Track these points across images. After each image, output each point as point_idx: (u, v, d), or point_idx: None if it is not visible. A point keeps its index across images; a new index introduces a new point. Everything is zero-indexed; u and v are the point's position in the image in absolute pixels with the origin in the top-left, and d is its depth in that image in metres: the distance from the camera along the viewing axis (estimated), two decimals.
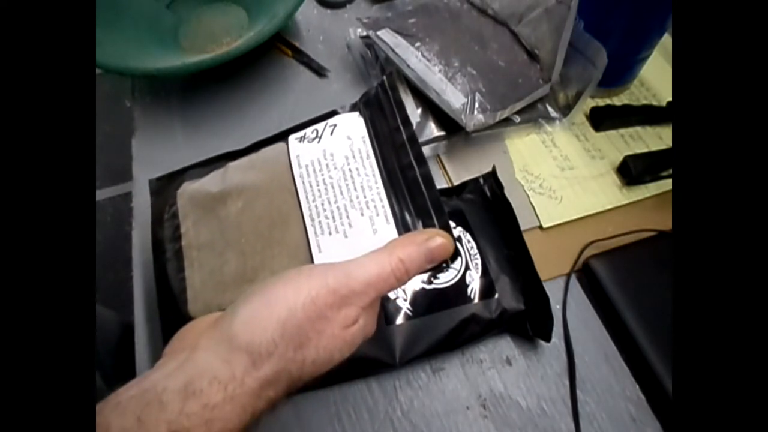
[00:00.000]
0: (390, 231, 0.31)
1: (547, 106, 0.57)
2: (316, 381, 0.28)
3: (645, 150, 0.55)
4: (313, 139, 0.36)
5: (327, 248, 0.32)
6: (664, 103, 0.60)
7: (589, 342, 0.44)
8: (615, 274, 0.46)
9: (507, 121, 0.55)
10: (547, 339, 0.42)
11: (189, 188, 0.39)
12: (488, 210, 0.48)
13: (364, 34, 0.62)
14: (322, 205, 0.33)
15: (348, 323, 0.27)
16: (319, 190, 0.34)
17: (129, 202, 0.53)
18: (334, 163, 0.34)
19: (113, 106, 1.69)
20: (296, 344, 0.26)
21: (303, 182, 0.34)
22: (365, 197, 0.33)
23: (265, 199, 0.35)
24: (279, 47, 0.65)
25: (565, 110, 0.57)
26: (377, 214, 0.32)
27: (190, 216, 0.37)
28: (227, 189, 0.37)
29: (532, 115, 0.56)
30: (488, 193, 0.49)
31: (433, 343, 0.41)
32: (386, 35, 0.57)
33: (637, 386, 0.42)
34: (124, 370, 0.67)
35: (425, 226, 0.31)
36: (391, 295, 0.42)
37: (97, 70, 0.47)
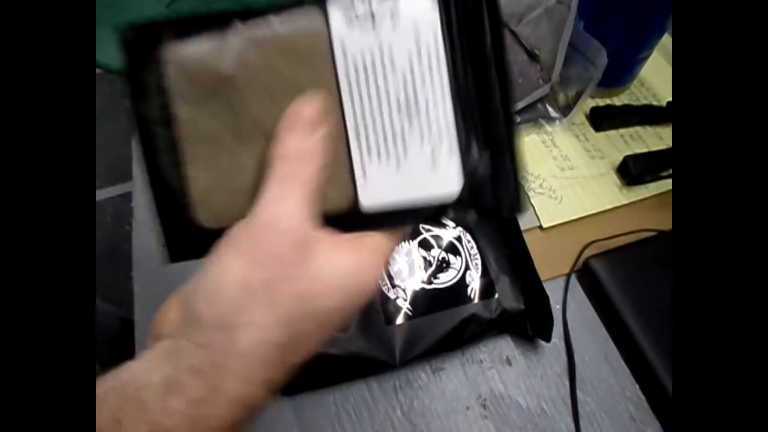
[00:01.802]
0: (453, 168, 0.26)
1: (547, 106, 0.57)
2: (343, 328, 0.24)
3: (645, 150, 0.55)
4: (366, 20, 0.27)
5: (373, 178, 0.26)
6: (664, 103, 0.60)
7: (589, 342, 0.44)
8: (615, 274, 0.46)
9: None
10: (547, 339, 0.42)
11: (182, 53, 0.28)
12: None
13: None
14: (372, 118, 0.27)
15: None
16: (369, 97, 0.27)
17: (129, 202, 0.53)
18: (393, 64, 0.26)
19: (113, 106, 1.69)
20: (269, 298, 0.22)
21: (349, 82, 0.27)
22: (428, 117, 0.26)
23: (295, 93, 0.27)
24: None
25: (565, 110, 0.57)
26: (441, 143, 0.26)
27: (188, 96, 0.28)
28: (241, 69, 0.28)
29: (532, 115, 0.56)
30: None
31: (433, 343, 0.41)
32: None
33: (637, 386, 0.42)
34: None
35: (493, 161, 0.26)
36: (392, 295, 0.42)
37: (97, 70, 0.47)
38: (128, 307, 0.47)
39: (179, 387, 0.21)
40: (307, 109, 0.25)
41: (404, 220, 0.26)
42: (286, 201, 0.23)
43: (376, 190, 0.26)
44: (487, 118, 0.26)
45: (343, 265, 0.24)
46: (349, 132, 0.27)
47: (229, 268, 0.23)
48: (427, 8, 0.26)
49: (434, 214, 0.27)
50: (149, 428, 0.20)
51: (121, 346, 0.70)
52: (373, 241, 0.25)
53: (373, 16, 0.26)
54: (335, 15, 0.27)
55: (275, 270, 0.22)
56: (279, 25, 0.28)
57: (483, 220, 0.30)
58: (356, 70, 0.27)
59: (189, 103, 0.29)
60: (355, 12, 0.26)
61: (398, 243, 0.27)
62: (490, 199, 0.26)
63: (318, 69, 0.27)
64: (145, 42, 0.29)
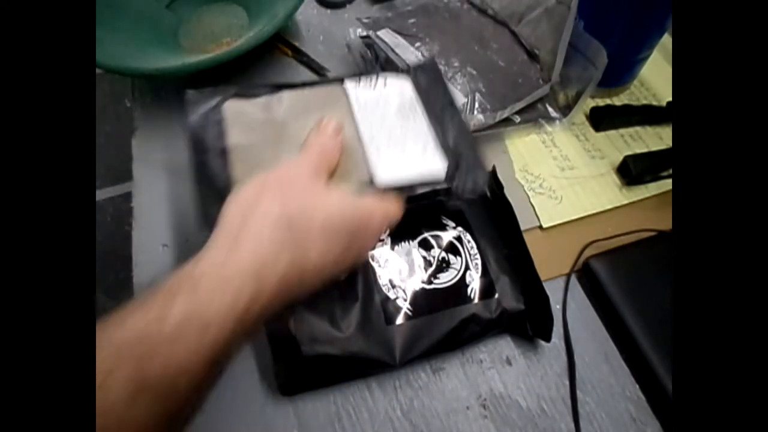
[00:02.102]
0: (437, 156, 0.40)
1: (547, 106, 0.57)
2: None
3: (645, 150, 0.55)
4: (368, 86, 0.42)
5: (383, 164, 0.38)
6: (664, 103, 0.60)
7: (589, 342, 0.44)
8: (615, 274, 0.46)
9: (507, 121, 0.55)
10: (547, 339, 0.42)
11: (237, 104, 0.40)
12: (488, 210, 0.48)
13: (364, 34, 0.62)
14: (379, 130, 0.40)
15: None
16: (374, 119, 0.40)
17: (129, 202, 0.52)
18: (389, 105, 0.41)
19: (113, 106, 1.69)
20: (280, 198, 0.30)
21: (362, 115, 0.40)
22: (415, 128, 0.41)
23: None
24: (279, 47, 0.65)
25: (565, 110, 0.57)
26: (427, 141, 0.40)
27: (239, 127, 0.39)
28: (283, 115, 0.39)
29: (532, 115, 0.56)
30: (488, 193, 0.49)
31: (433, 343, 0.41)
32: (386, 35, 0.57)
33: (637, 386, 0.42)
34: None
35: (457, 158, 0.40)
36: (391, 295, 0.42)
37: (97, 70, 0.47)
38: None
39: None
40: (329, 122, 0.37)
41: (411, 191, 0.38)
42: (305, 163, 0.33)
43: (386, 172, 0.38)
44: (447, 132, 0.41)
45: (347, 204, 0.32)
46: (364, 139, 0.39)
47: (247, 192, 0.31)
48: (406, 84, 0.44)
49: (430, 192, 0.38)
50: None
51: None
52: (376, 200, 0.34)
53: (373, 85, 0.43)
54: (349, 83, 0.43)
55: (288, 191, 0.31)
56: (309, 91, 0.42)
57: (455, 198, 0.41)
58: (365, 107, 0.41)
59: (240, 131, 0.38)
60: (362, 84, 0.43)
61: (398, 214, 0.35)
62: (461, 182, 0.39)
63: (340, 108, 0.41)
64: (205, 98, 0.40)
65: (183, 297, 0.25)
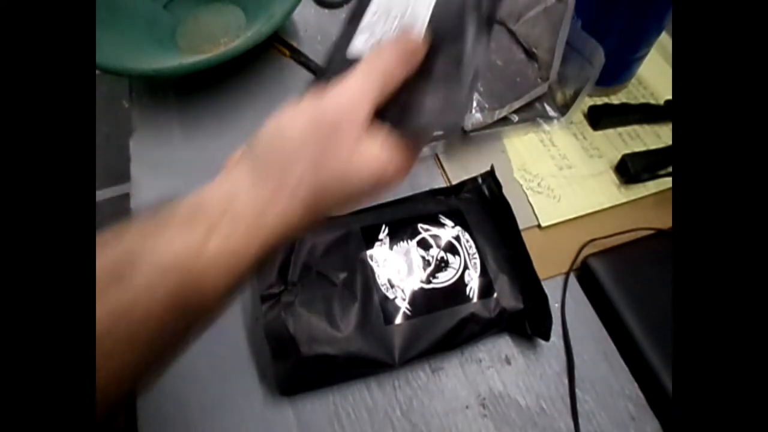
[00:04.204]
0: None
1: (545, 105, 0.57)
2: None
3: (643, 148, 0.55)
4: None
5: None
6: (662, 102, 0.60)
7: (588, 341, 0.44)
8: (614, 273, 0.46)
9: (505, 120, 0.55)
10: (546, 338, 0.42)
11: None
12: (487, 209, 0.48)
13: None
14: None
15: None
16: None
17: (127, 203, 0.52)
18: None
19: (111, 106, 1.69)
20: (318, 152, 0.27)
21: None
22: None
23: None
24: (276, 47, 0.65)
25: (563, 109, 0.57)
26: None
27: None
28: None
29: (530, 114, 0.56)
30: (486, 193, 0.49)
31: (432, 342, 0.41)
32: None
33: (636, 385, 0.42)
34: None
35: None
36: (390, 294, 0.42)
37: (97, 71, 0.47)
38: None
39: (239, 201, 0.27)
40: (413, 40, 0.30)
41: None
42: (359, 90, 0.28)
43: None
44: None
45: (377, 153, 0.28)
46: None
47: (294, 121, 0.28)
48: None
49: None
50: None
51: None
52: (402, 147, 0.29)
53: None
54: None
55: (329, 136, 0.27)
56: None
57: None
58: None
59: None
60: None
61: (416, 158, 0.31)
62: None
63: None
64: None
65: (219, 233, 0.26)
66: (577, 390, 0.42)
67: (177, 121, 0.59)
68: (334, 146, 0.27)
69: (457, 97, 0.31)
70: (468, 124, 0.50)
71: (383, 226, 0.46)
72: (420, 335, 0.41)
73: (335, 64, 0.34)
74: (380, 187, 0.29)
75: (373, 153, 0.28)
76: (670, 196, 0.53)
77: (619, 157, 0.54)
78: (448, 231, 0.46)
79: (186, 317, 0.25)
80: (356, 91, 0.28)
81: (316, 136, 0.27)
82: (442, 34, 0.32)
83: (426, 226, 0.46)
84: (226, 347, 0.43)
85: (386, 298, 0.42)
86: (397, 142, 0.29)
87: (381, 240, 0.45)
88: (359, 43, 0.34)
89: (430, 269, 0.44)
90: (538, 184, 0.53)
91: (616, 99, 0.61)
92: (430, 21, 0.32)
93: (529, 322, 0.43)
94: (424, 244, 0.45)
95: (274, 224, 0.27)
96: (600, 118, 0.57)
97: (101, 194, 1.55)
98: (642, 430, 0.40)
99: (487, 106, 0.52)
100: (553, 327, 0.42)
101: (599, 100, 0.60)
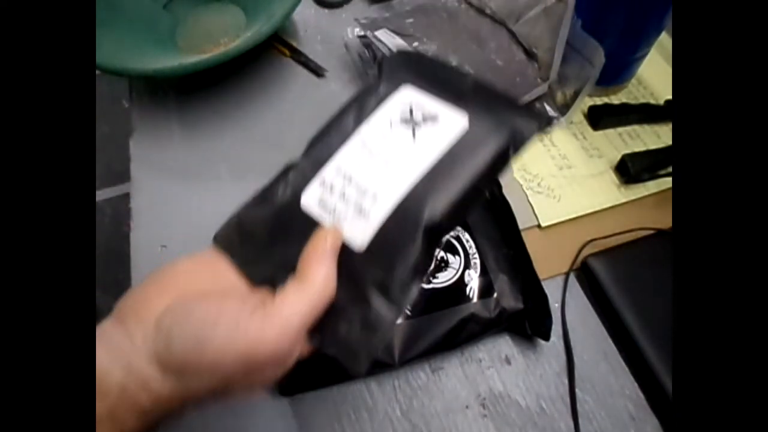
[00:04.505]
0: None
1: (546, 104, 0.57)
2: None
3: (643, 148, 0.55)
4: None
5: None
6: (662, 102, 0.60)
7: (588, 340, 0.44)
8: (614, 273, 0.46)
9: None
10: (546, 338, 0.42)
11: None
12: (487, 209, 0.48)
13: (362, 34, 0.62)
14: None
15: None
16: None
17: (127, 203, 0.52)
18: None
19: (111, 106, 1.69)
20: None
21: None
22: None
23: None
24: (276, 47, 0.65)
25: (563, 109, 0.57)
26: None
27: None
28: None
29: None
30: (486, 193, 0.49)
31: (432, 342, 0.41)
32: (384, 35, 0.57)
33: (636, 385, 0.42)
34: None
35: None
36: None
37: (97, 71, 0.47)
38: None
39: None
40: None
41: None
42: (296, 333, 0.26)
43: None
44: None
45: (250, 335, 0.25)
46: None
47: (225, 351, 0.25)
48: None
49: None
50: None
51: None
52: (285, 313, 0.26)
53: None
54: None
55: (255, 371, 0.26)
56: None
57: None
58: None
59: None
60: None
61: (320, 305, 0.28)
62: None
63: None
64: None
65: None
66: (577, 390, 0.42)
67: (177, 121, 0.59)
68: (257, 374, 0.26)
69: (380, 324, 0.28)
70: None
71: None
72: (420, 335, 0.41)
73: (297, 178, 0.33)
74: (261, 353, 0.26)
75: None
76: (670, 196, 0.53)
77: (619, 157, 0.54)
78: None
79: None
80: (292, 336, 0.26)
81: (244, 371, 0.25)
82: (389, 249, 0.30)
83: None
84: None
85: None
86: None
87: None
88: (313, 196, 0.32)
89: (429, 269, 0.44)
90: (538, 184, 0.53)
91: (616, 99, 0.61)
92: (381, 228, 0.30)
93: (529, 322, 0.43)
94: None
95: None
96: (600, 118, 0.57)
97: (102, 194, 1.55)
98: (642, 430, 0.40)
99: None
100: (553, 327, 0.42)
101: (599, 100, 0.60)
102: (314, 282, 0.27)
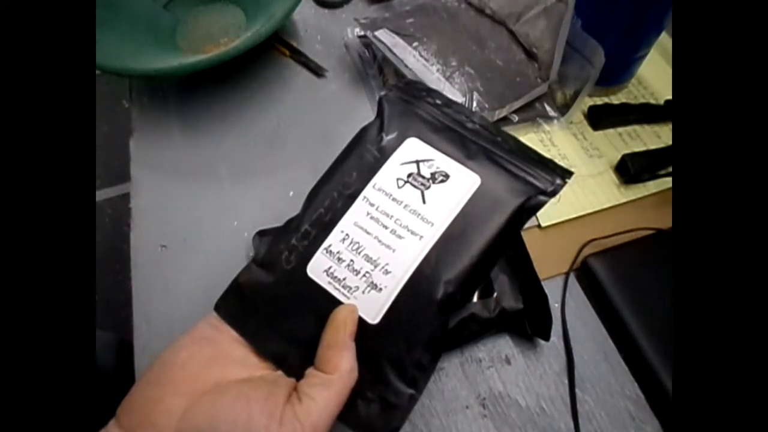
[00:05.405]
0: None
1: (545, 105, 0.58)
2: None
3: (643, 148, 0.55)
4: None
5: None
6: (662, 102, 0.60)
7: (588, 341, 0.44)
8: (614, 273, 0.46)
9: (505, 120, 0.55)
10: (546, 338, 0.42)
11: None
12: None
13: (362, 34, 0.62)
14: None
15: None
16: None
17: (127, 203, 0.52)
18: None
19: (111, 106, 1.69)
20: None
21: None
22: None
23: None
24: (276, 47, 0.65)
25: (563, 109, 0.57)
26: None
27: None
28: None
29: (530, 114, 0.56)
30: None
31: None
32: (384, 35, 0.57)
33: (636, 385, 0.42)
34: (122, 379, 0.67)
35: None
36: None
37: (97, 71, 0.47)
38: (126, 309, 0.47)
39: None
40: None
41: None
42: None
43: None
44: None
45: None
46: None
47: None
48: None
49: None
50: None
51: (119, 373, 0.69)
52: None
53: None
54: None
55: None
56: None
57: None
58: None
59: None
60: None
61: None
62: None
63: None
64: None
65: None
66: (577, 390, 0.42)
67: (177, 121, 0.59)
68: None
69: (399, 403, 0.28)
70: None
71: None
72: None
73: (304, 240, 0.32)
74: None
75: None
76: (670, 196, 0.53)
77: (619, 157, 0.54)
78: None
79: None
80: None
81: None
82: (404, 325, 0.29)
83: None
84: None
85: None
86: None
87: None
88: (319, 265, 0.31)
89: None
90: None
91: (616, 99, 0.61)
92: (395, 302, 0.29)
93: (529, 321, 0.43)
94: None
95: None
96: (600, 118, 0.57)
97: (101, 194, 1.55)
98: (642, 430, 0.40)
99: (487, 106, 0.52)
100: (553, 327, 0.42)
101: (599, 100, 0.60)
102: (341, 375, 0.26)
